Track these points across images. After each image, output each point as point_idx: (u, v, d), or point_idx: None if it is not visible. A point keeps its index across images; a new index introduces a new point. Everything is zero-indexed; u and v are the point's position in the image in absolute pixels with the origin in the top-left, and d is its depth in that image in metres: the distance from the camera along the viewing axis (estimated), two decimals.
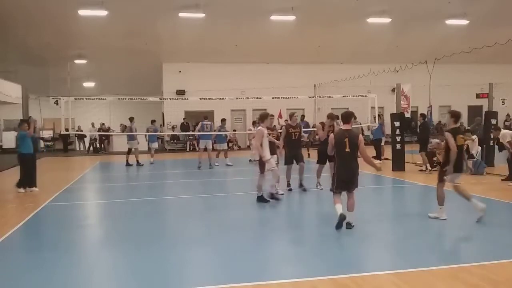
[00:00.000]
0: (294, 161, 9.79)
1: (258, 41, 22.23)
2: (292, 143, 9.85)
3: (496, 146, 13.00)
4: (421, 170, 12.93)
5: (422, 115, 13.41)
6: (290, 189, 9.85)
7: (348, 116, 6.39)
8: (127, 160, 16.63)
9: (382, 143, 16.11)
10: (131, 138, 16.65)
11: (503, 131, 10.97)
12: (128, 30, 20.29)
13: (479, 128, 13.85)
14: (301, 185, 9.96)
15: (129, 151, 16.75)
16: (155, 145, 18.09)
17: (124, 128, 23.91)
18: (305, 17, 20.10)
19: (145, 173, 15.03)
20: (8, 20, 18.68)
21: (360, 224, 6.96)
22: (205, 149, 15.27)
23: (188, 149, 24.09)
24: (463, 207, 8.51)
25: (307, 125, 17.83)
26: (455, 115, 6.87)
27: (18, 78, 18.78)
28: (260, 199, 8.54)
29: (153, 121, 18.52)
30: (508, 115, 24.66)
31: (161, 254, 5.54)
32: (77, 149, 26.26)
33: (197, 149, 15.39)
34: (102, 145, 24.96)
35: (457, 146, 6.58)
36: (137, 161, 16.62)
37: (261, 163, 8.41)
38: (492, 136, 12.81)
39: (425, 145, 12.98)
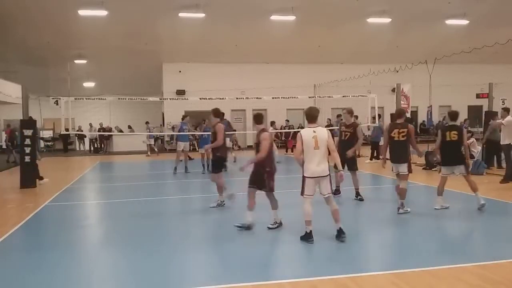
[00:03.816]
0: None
1: (258, 41, 22.22)
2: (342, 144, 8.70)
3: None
4: None
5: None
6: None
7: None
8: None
9: (381, 143, 16.14)
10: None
11: (509, 118, 10.56)
12: (128, 30, 20.27)
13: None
14: (357, 194, 8.80)
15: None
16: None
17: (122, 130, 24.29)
18: (305, 17, 20.08)
19: (146, 173, 15.03)
20: (8, 20, 18.65)
21: (360, 224, 6.97)
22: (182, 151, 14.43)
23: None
24: (464, 207, 8.51)
25: (228, 125, 15.46)
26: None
27: (18, 78, 18.77)
28: None
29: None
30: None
31: (161, 254, 5.54)
32: (77, 149, 26.28)
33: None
34: (102, 145, 24.96)
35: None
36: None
37: None
38: (499, 117, 11.62)
39: None
